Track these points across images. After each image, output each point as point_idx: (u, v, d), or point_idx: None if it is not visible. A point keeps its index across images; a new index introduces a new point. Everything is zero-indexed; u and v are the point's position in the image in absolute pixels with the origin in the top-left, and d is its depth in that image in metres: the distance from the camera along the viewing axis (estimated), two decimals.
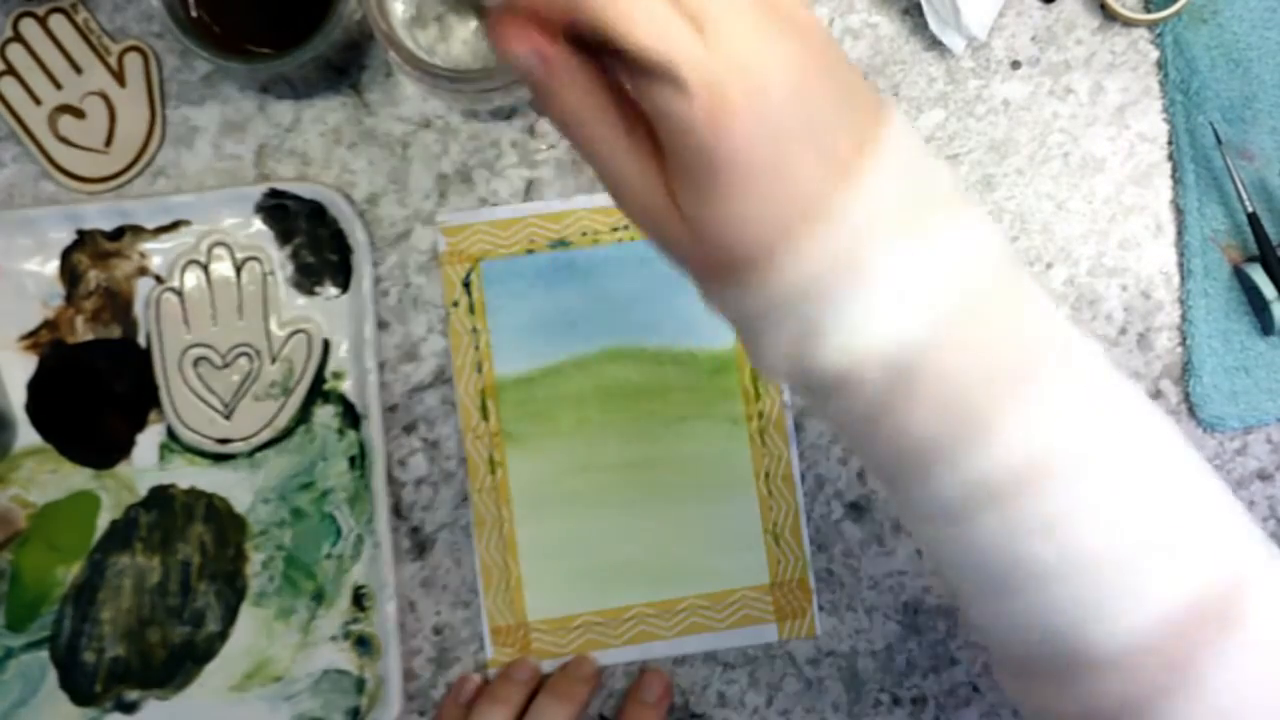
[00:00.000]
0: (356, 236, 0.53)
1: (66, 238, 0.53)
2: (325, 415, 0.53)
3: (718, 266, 0.33)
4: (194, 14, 0.51)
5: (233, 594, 0.52)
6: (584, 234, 0.54)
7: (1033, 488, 0.31)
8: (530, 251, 0.54)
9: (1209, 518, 0.33)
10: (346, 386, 0.53)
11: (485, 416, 0.54)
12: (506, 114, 0.55)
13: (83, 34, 0.54)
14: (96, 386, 0.53)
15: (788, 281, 0.31)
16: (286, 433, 0.53)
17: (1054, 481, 0.31)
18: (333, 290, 0.54)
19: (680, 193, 0.32)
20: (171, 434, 0.53)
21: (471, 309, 0.54)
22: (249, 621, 0.52)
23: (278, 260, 0.54)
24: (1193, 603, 0.31)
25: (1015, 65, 0.55)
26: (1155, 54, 0.56)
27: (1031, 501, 0.31)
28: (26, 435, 0.53)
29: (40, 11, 0.53)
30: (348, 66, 0.54)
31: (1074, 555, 0.32)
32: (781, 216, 0.31)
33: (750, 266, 0.32)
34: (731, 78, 0.29)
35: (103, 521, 0.52)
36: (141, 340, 0.53)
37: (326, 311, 0.54)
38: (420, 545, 0.53)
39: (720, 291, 0.33)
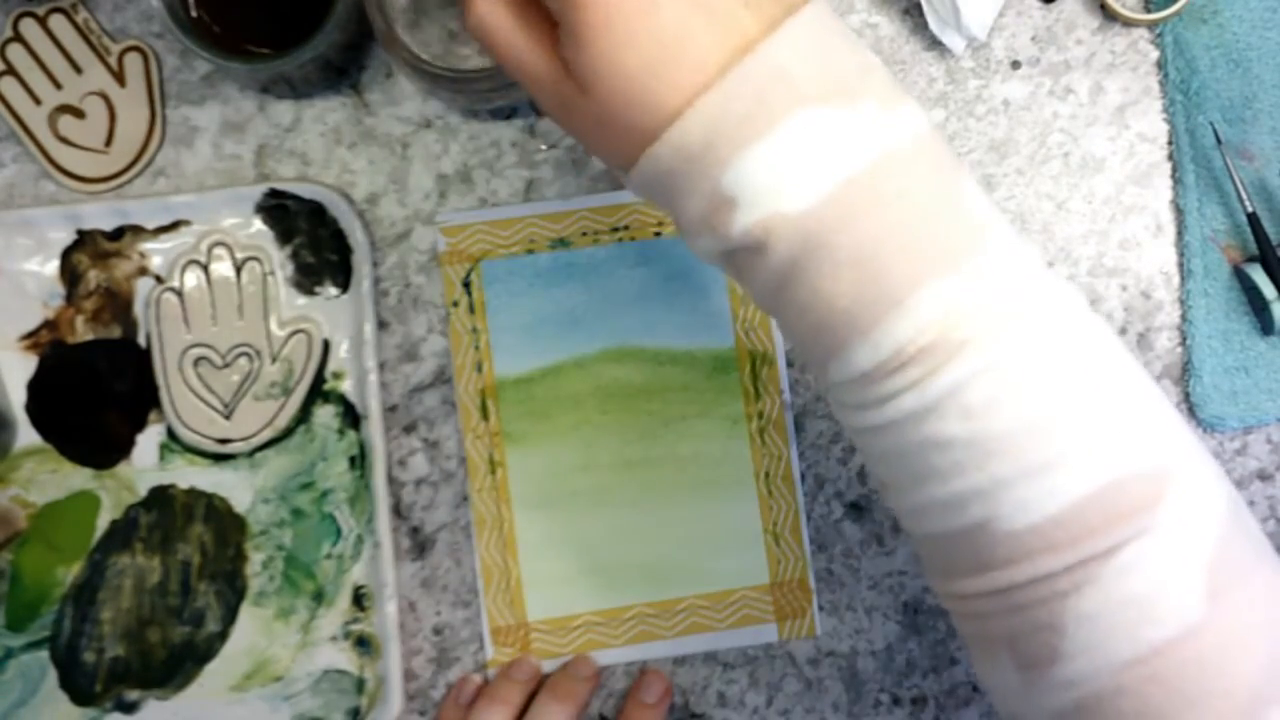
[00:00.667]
0: (356, 236, 0.53)
1: (66, 238, 0.53)
2: (325, 415, 0.53)
3: (619, 131, 0.33)
4: (194, 14, 0.51)
5: (233, 594, 0.52)
6: (584, 234, 0.54)
7: (942, 363, 0.31)
8: (530, 251, 0.54)
9: (1130, 406, 0.33)
10: (346, 386, 0.53)
11: (485, 416, 0.54)
12: (506, 114, 0.55)
13: (83, 34, 0.54)
14: (96, 386, 0.53)
15: (686, 138, 0.31)
16: (286, 433, 0.53)
17: (967, 357, 0.31)
18: (333, 290, 0.54)
19: (565, 50, 0.32)
20: (171, 434, 0.53)
21: (471, 309, 0.54)
22: (249, 621, 0.52)
23: (278, 260, 0.54)
24: (1107, 488, 0.31)
25: (1015, 65, 0.55)
26: (1155, 54, 0.56)
27: (944, 378, 0.31)
28: (26, 435, 0.53)
29: (40, 11, 0.53)
30: (348, 66, 0.54)
31: (987, 435, 0.31)
32: (667, 68, 0.31)
33: (647, 125, 0.32)
34: None
35: (103, 521, 0.53)
36: (141, 340, 0.53)
37: (326, 311, 0.54)
38: (420, 545, 0.53)
39: (634, 162, 0.33)
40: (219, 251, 0.53)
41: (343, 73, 0.54)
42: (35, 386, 0.53)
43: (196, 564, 0.53)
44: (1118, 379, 0.33)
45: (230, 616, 0.52)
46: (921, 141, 0.33)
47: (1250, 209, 0.53)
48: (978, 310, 0.31)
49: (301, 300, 0.54)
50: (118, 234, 0.53)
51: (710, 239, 0.33)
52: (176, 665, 0.52)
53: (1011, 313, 0.32)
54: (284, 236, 0.54)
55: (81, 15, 0.54)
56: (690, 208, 0.33)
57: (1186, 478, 0.32)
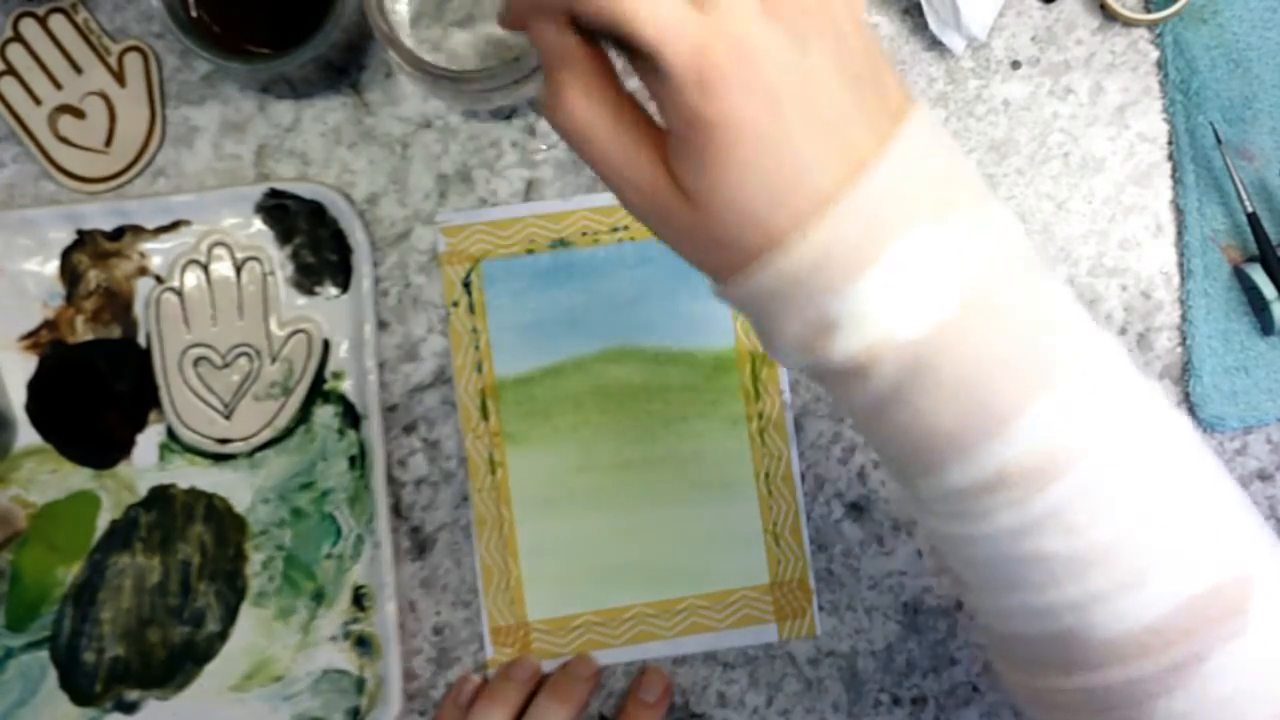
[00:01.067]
0: (356, 236, 0.53)
1: (66, 238, 0.53)
2: (325, 415, 0.53)
3: (723, 246, 0.32)
4: (194, 14, 0.51)
5: (233, 594, 0.52)
6: (584, 234, 0.54)
7: (1046, 483, 0.31)
8: (530, 251, 0.54)
9: (1218, 514, 0.33)
10: (346, 386, 0.53)
11: (485, 416, 0.54)
12: (506, 114, 0.55)
13: (83, 34, 0.54)
14: (96, 386, 0.53)
15: (796, 265, 0.31)
16: (286, 433, 0.53)
17: (1067, 477, 0.31)
18: (333, 290, 0.54)
19: (678, 165, 0.32)
20: (171, 434, 0.53)
21: (471, 309, 0.54)
22: (249, 621, 0.52)
23: (278, 260, 0.54)
24: (1198, 596, 0.31)
25: (1015, 65, 0.55)
26: (1155, 54, 0.56)
27: (1044, 497, 0.31)
28: (26, 435, 0.53)
29: (40, 11, 0.53)
30: (348, 66, 0.54)
31: (1084, 550, 0.31)
32: (785, 193, 0.31)
33: (755, 245, 0.32)
34: (723, 44, 0.30)
35: (103, 521, 0.53)
36: (141, 340, 0.53)
37: (326, 311, 0.54)
38: (420, 545, 0.53)
39: (729, 277, 0.33)
40: (219, 251, 0.53)
41: (343, 73, 0.54)
42: (35, 386, 0.53)
43: (196, 564, 0.53)
44: (1206, 483, 0.33)
45: (230, 616, 0.52)
46: (1014, 243, 0.33)
47: (1250, 209, 0.53)
48: (1079, 429, 0.31)
49: (301, 300, 0.54)
50: (118, 234, 0.53)
51: (805, 358, 0.33)
52: (176, 665, 0.52)
53: (1110, 427, 0.32)
54: (284, 236, 0.54)
55: (81, 15, 0.54)
56: (788, 329, 0.32)
57: (1271, 578, 0.33)
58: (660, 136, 0.32)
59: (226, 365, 0.53)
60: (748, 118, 0.30)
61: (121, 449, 0.53)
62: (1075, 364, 0.32)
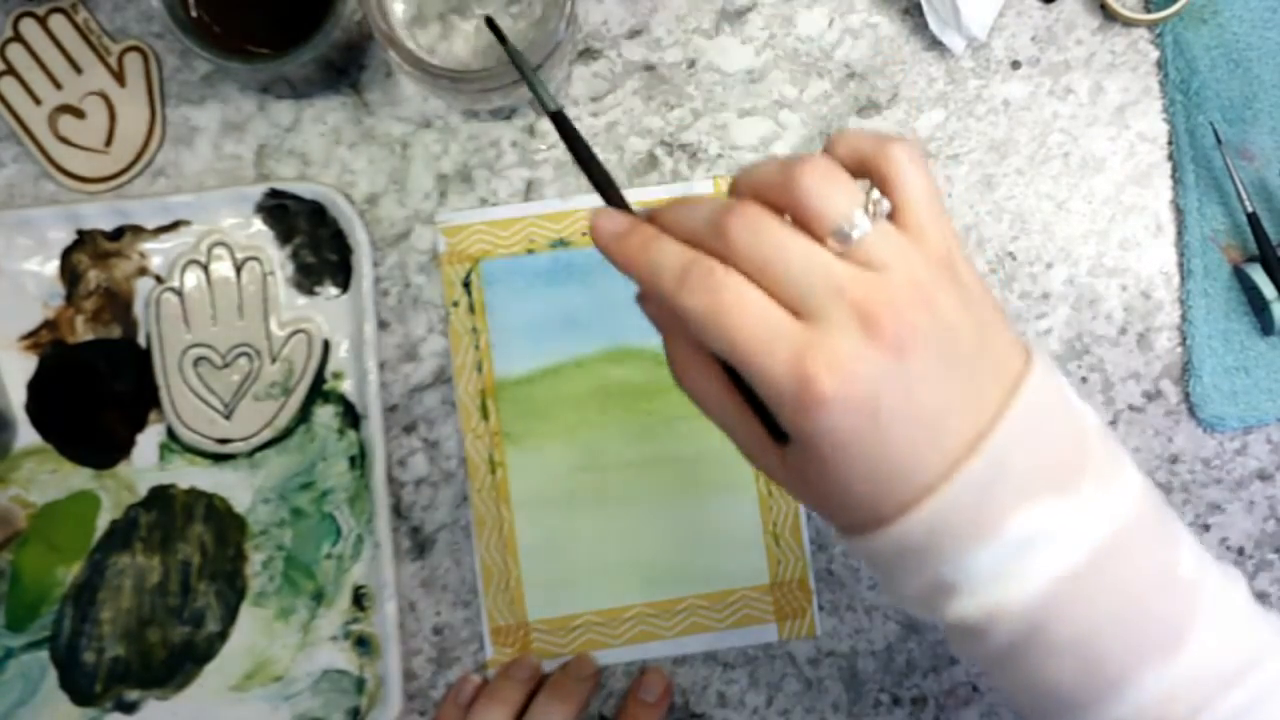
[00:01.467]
0: (356, 236, 0.53)
1: (66, 238, 0.53)
2: (325, 415, 0.53)
3: (832, 516, 0.35)
4: (194, 14, 0.51)
5: (233, 594, 0.52)
6: (584, 234, 0.54)
7: None
8: (530, 251, 0.54)
9: None
10: (346, 386, 0.53)
11: (485, 416, 0.54)
12: (506, 114, 0.55)
13: (83, 34, 0.54)
14: (96, 386, 0.53)
15: (906, 538, 0.33)
16: (286, 433, 0.53)
17: None
18: (333, 290, 0.54)
19: (788, 449, 0.34)
20: (171, 434, 0.53)
21: (471, 309, 0.54)
22: (249, 621, 0.52)
23: (278, 260, 0.54)
24: None
25: (1015, 65, 0.55)
26: (1155, 54, 0.56)
27: None
28: (26, 435, 0.53)
29: (40, 11, 0.53)
30: (348, 66, 0.54)
31: None
32: (887, 489, 0.32)
33: (862, 523, 0.33)
34: (820, 361, 0.31)
35: (103, 521, 0.53)
36: (141, 340, 0.53)
37: (326, 311, 0.54)
38: (420, 545, 0.53)
39: (845, 538, 0.35)
40: (219, 251, 0.53)
41: (343, 73, 0.54)
42: (35, 386, 0.53)
43: (196, 564, 0.53)
44: None
45: (230, 616, 0.52)
46: (1141, 512, 0.34)
47: (1250, 209, 0.53)
48: (1195, 687, 0.32)
49: (301, 300, 0.54)
50: (118, 234, 0.53)
51: (924, 612, 0.35)
52: (176, 665, 0.52)
53: (1226, 681, 0.33)
54: (284, 236, 0.54)
55: (81, 15, 0.54)
56: (907, 586, 0.34)
57: None
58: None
59: (226, 365, 0.53)
60: (844, 429, 0.32)
61: (121, 449, 0.53)
62: (1192, 622, 0.33)
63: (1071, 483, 0.33)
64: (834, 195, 0.32)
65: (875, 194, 0.35)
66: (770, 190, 0.33)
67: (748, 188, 0.34)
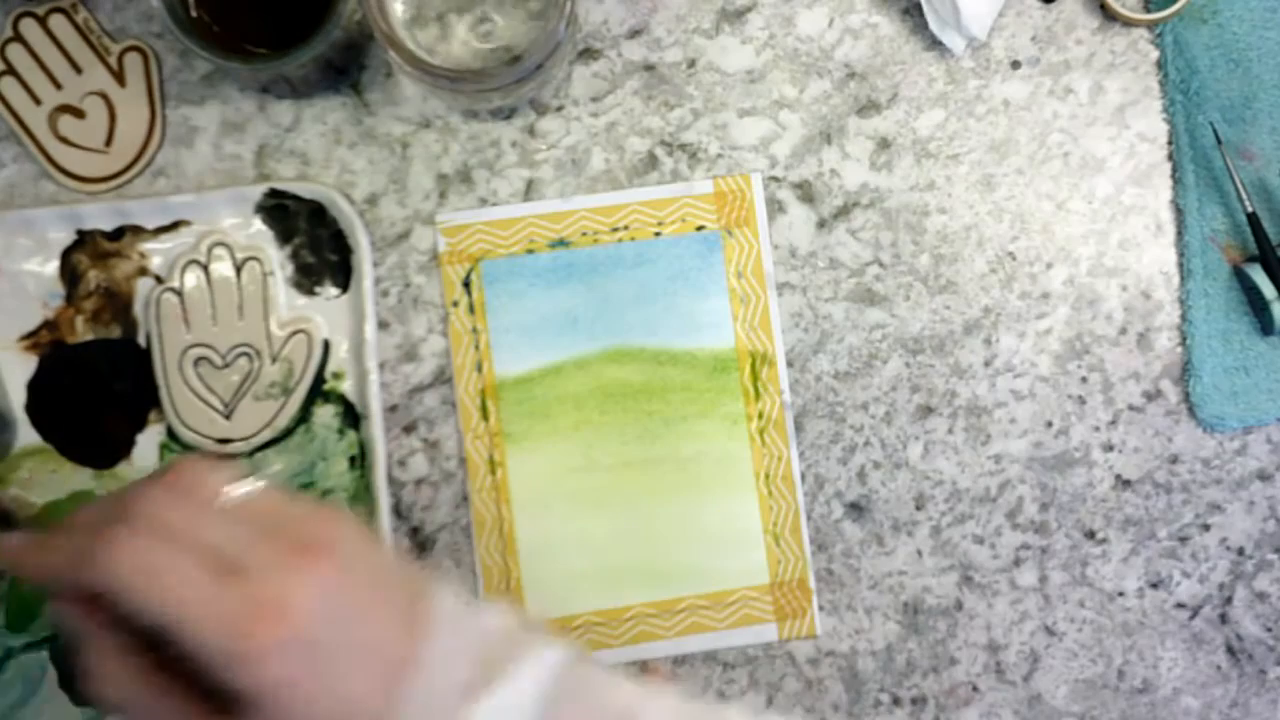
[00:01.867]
0: (356, 236, 0.53)
1: (66, 238, 0.53)
2: (325, 415, 0.53)
3: None
4: (194, 14, 0.51)
5: None
6: (584, 234, 0.54)
7: None
8: (530, 251, 0.54)
9: None
10: (346, 386, 0.53)
11: (485, 416, 0.54)
12: (506, 114, 0.55)
13: (83, 34, 0.54)
14: (96, 386, 0.53)
15: None
16: (286, 433, 0.53)
17: None
18: (333, 290, 0.54)
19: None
20: (171, 434, 0.53)
21: (471, 309, 0.54)
22: None
23: (278, 260, 0.54)
24: None
25: (1015, 65, 0.55)
26: (1155, 54, 0.56)
27: None
28: (26, 435, 0.53)
29: (40, 11, 0.53)
30: (348, 66, 0.54)
31: None
32: (341, 717, 0.34)
33: None
34: (258, 622, 0.33)
35: None
36: (141, 340, 0.53)
37: (326, 311, 0.54)
38: (420, 545, 0.53)
39: None
40: (219, 251, 0.53)
41: (343, 73, 0.54)
42: (35, 386, 0.53)
43: None
44: None
45: None
46: (569, 659, 0.37)
47: (1250, 209, 0.53)
48: None
49: (301, 300, 0.54)
50: (118, 234, 0.53)
51: None
52: None
53: None
54: (284, 236, 0.54)
55: (81, 15, 0.54)
56: None
57: None
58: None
59: (226, 365, 0.53)
60: (291, 675, 0.33)
61: (122, 449, 0.53)
62: None
63: (498, 665, 0.36)
64: (214, 469, 0.36)
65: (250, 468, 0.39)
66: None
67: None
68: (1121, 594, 0.54)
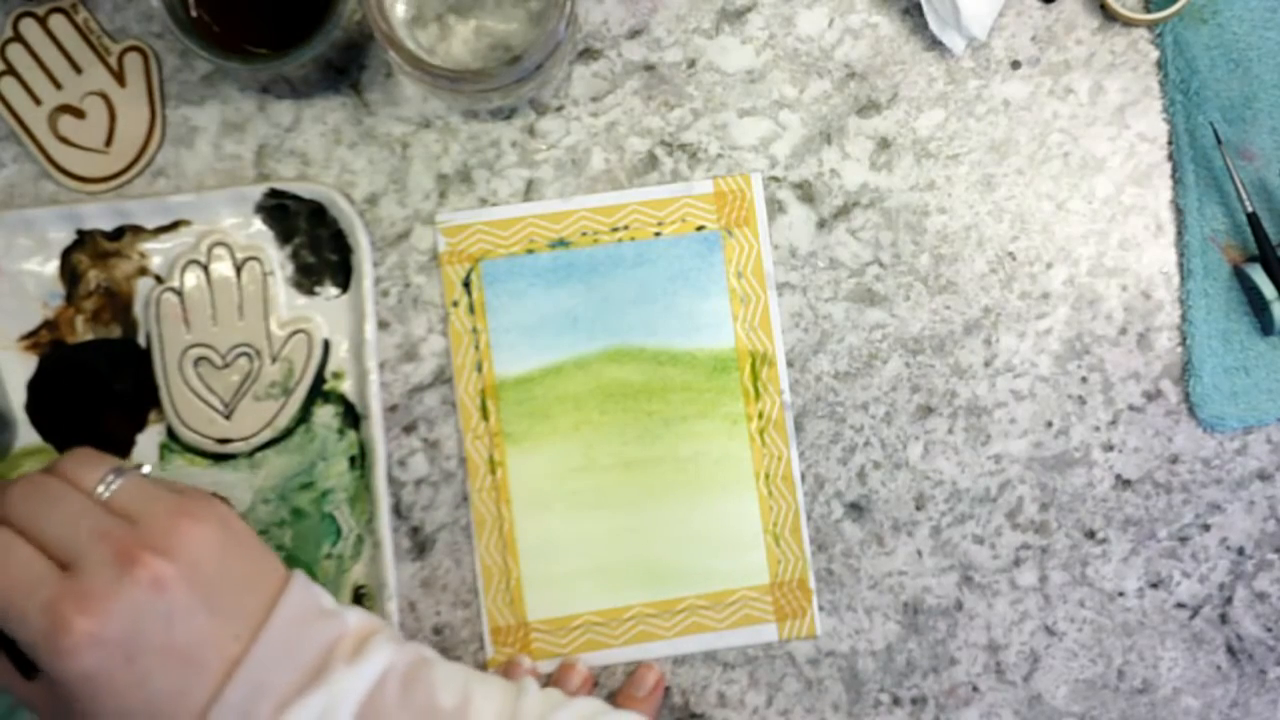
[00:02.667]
0: (356, 236, 0.53)
1: (66, 238, 0.53)
2: (325, 415, 0.53)
3: None
4: (194, 14, 0.51)
5: None
6: (584, 234, 0.54)
7: None
8: (530, 251, 0.54)
9: None
10: (346, 386, 0.53)
11: (485, 416, 0.54)
12: (506, 114, 0.55)
13: (83, 34, 0.54)
14: (96, 386, 0.53)
15: None
16: (286, 433, 0.53)
17: None
18: (333, 290, 0.54)
19: (53, 700, 0.37)
20: (171, 434, 0.53)
21: (471, 309, 0.54)
22: None
23: (278, 260, 0.54)
24: None
25: (1015, 65, 0.55)
26: (1155, 54, 0.56)
27: None
28: (26, 435, 0.53)
29: (40, 11, 0.53)
30: (348, 66, 0.54)
31: None
32: (154, 713, 0.36)
33: None
34: (75, 613, 0.34)
35: None
36: (141, 340, 0.53)
37: (326, 311, 0.54)
38: (420, 545, 0.53)
39: None
40: (219, 251, 0.53)
41: (343, 73, 0.54)
42: (35, 386, 0.53)
43: None
44: None
45: None
46: (385, 673, 0.40)
47: (1250, 209, 0.53)
48: None
49: (301, 300, 0.54)
50: (118, 234, 0.53)
51: None
52: None
53: None
54: (284, 236, 0.54)
55: (81, 15, 0.54)
56: None
57: None
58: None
59: (226, 365, 0.53)
60: (100, 672, 0.35)
61: (121, 449, 0.53)
62: None
63: (324, 671, 0.38)
64: (92, 462, 0.39)
65: (139, 464, 0.43)
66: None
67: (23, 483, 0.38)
68: (1121, 594, 0.54)
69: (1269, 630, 0.55)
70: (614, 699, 0.53)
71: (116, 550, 0.36)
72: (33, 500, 0.37)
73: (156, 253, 0.53)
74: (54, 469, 0.39)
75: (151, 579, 0.36)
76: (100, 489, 0.38)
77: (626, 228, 0.54)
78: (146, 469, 0.42)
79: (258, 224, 0.54)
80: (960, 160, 0.55)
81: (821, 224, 0.55)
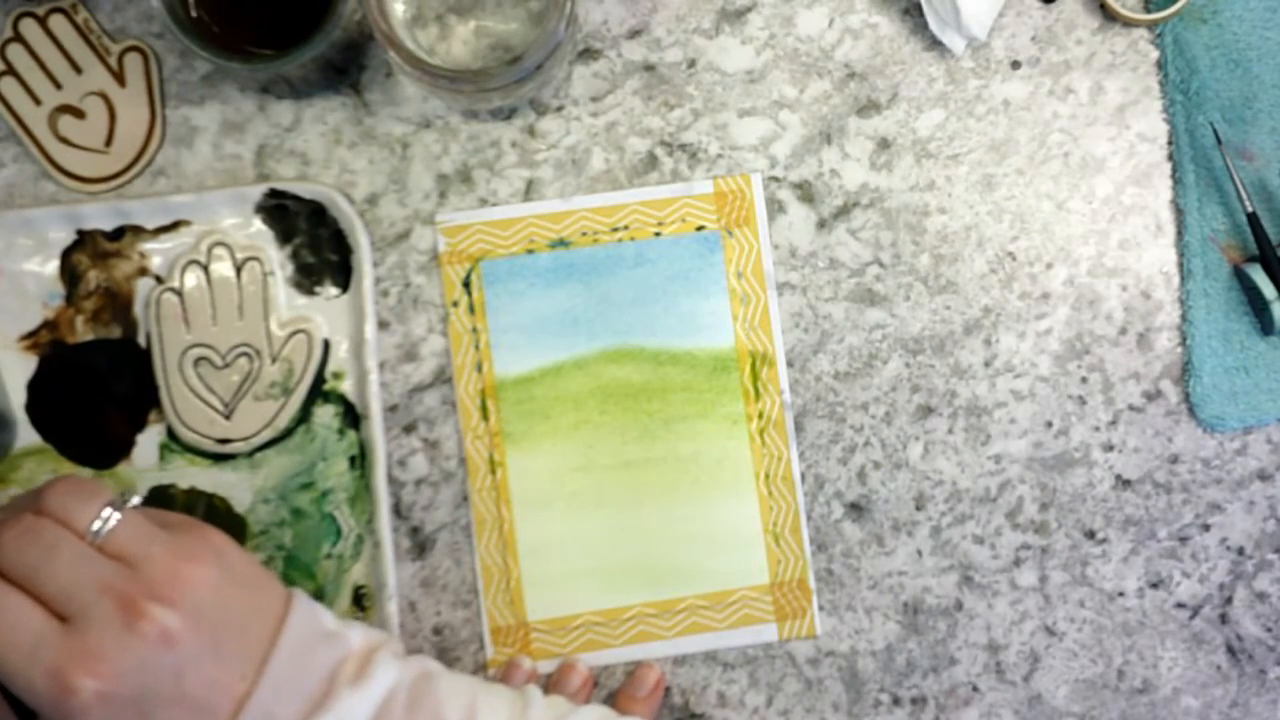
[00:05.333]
0: (356, 236, 0.53)
1: (66, 238, 0.53)
2: (325, 415, 0.53)
3: None
4: (194, 14, 0.51)
5: None
6: (584, 234, 0.54)
7: None
8: (530, 251, 0.54)
9: None
10: (346, 386, 0.53)
11: (485, 416, 0.54)
12: (506, 114, 0.55)
13: (83, 34, 0.54)
14: (96, 386, 0.53)
15: None
16: (286, 433, 0.53)
17: None
18: (333, 290, 0.54)
19: None
20: (171, 434, 0.53)
21: (471, 309, 0.54)
22: None
23: (278, 260, 0.54)
24: None
25: (1015, 65, 0.55)
26: (1155, 54, 0.56)
27: None
28: (26, 435, 0.53)
29: (40, 11, 0.53)
30: (348, 66, 0.54)
31: None
32: None
33: None
34: (82, 676, 0.34)
35: None
36: (141, 340, 0.53)
37: (326, 311, 0.54)
38: (420, 545, 0.53)
39: None
40: (219, 251, 0.53)
41: (343, 73, 0.54)
42: (35, 386, 0.53)
43: None
44: None
45: None
46: (392, 693, 0.40)
47: (1250, 209, 0.53)
48: None
49: (301, 300, 0.54)
50: (118, 234, 0.53)
51: None
52: None
53: None
54: (284, 236, 0.54)
55: (81, 15, 0.54)
56: None
57: None
58: None
59: (226, 365, 0.53)
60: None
61: (121, 449, 0.53)
62: None
63: (329, 697, 0.38)
64: (83, 497, 0.37)
65: (127, 493, 0.41)
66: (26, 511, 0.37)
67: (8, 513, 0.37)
68: (1121, 594, 0.54)
69: (1269, 630, 0.55)
70: (614, 699, 0.53)
71: (119, 602, 0.35)
72: (27, 551, 0.36)
73: (156, 253, 0.53)
74: (43, 507, 0.37)
75: (159, 634, 0.35)
76: (95, 526, 0.37)
77: (626, 228, 0.54)
78: (136, 500, 0.41)
79: (258, 224, 0.54)
80: (960, 160, 0.55)
81: (821, 224, 0.55)
